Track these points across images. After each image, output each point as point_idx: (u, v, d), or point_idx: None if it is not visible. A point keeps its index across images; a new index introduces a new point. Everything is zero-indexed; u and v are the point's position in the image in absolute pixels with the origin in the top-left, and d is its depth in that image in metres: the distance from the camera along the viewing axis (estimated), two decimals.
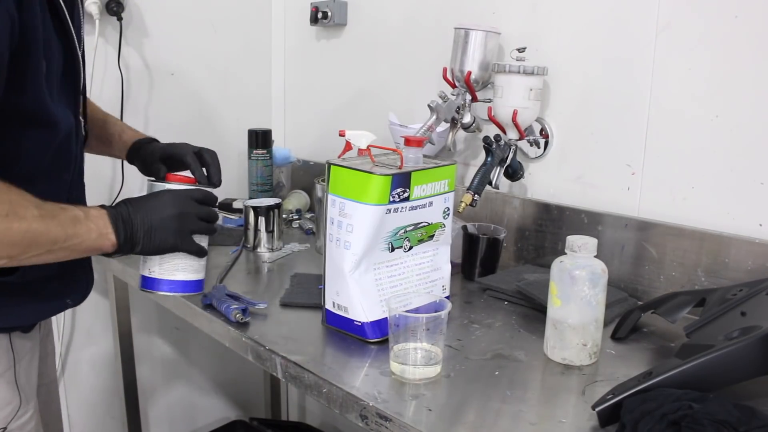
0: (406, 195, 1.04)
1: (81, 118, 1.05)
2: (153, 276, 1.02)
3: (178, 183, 1.03)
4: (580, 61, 1.36)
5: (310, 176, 1.85)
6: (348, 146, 1.17)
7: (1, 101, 0.82)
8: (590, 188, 1.38)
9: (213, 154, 1.12)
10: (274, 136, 1.90)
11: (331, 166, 1.05)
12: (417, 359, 0.94)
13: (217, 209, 1.07)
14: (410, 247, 1.08)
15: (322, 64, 1.97)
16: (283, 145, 2.08)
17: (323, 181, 1.33)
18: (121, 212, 0.94)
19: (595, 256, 0.98)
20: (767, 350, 0.83)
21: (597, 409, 0.83)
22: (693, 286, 1.20)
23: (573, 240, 0.98)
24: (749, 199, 1.17)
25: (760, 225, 1.16)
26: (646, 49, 1.26)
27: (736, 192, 1.18)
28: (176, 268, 1.01)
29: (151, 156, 1.16)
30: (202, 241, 1.03)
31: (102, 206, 0.93)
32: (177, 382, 2.03)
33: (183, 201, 0.98)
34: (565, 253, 0.99)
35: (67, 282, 1.05)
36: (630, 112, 1.29)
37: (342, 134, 1.14)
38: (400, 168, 1.04)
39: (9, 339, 0.99)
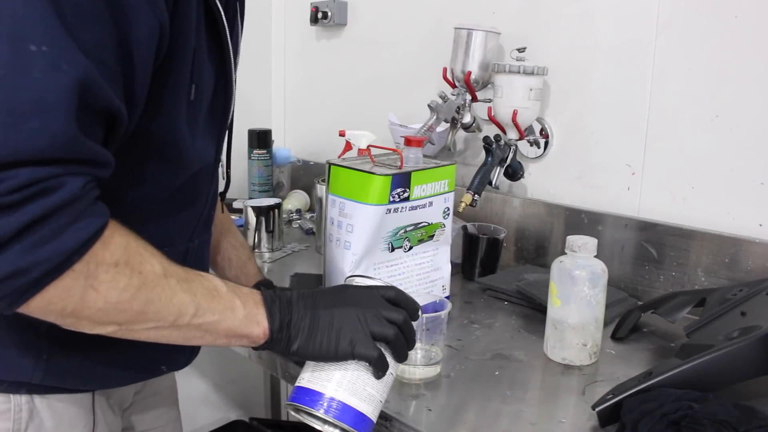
0: (406, 195, 1.04)
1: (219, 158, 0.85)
2: (301, 384, 0.74)
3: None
4: (580, 61, 1.36)
5: (310, 176, 1.85)
6: (348, 146, 1.17)
7: (134, 122, 0.64)
8: (590, 188, 1.38)
9: None
10: (274, 136, 1.90)
11: (331, 166, 1.05)
12: (417, 359, 0.94)
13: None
14: (410, 247, 1.08)
15: (322, 64, 1.97)
16: (283, 145, 2.08)
17: (323, 181, 1.34)
18: (280, 295, 0.73)
19: (595, 256, 0.98)
20: (767, 350, 0.83)
21: (597, 409, 0.83)
22: (693, 286, 1.20)
23: (573, 240, 0.98)
24: (749, 199, 1.17)
25: (760, 225, 1.16)
26: (646, 49, 1.26)
27: (736, 192, 1.18)
28: (332, 378, 0.72)
29: None
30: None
31: (257, 286, 0.74)
32: (177, 382, 2.02)
33: (368, 297, 0.75)
34: (565, 253, 0.99)
35: (168, 348, 0.75)
36: (630, 112, 1.29)
37: (342, 134, 1.15)
38: (400, 168, 1.04)
39: (92, 397, 0.82)
